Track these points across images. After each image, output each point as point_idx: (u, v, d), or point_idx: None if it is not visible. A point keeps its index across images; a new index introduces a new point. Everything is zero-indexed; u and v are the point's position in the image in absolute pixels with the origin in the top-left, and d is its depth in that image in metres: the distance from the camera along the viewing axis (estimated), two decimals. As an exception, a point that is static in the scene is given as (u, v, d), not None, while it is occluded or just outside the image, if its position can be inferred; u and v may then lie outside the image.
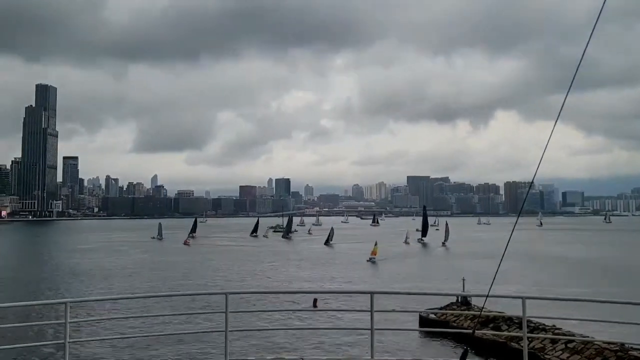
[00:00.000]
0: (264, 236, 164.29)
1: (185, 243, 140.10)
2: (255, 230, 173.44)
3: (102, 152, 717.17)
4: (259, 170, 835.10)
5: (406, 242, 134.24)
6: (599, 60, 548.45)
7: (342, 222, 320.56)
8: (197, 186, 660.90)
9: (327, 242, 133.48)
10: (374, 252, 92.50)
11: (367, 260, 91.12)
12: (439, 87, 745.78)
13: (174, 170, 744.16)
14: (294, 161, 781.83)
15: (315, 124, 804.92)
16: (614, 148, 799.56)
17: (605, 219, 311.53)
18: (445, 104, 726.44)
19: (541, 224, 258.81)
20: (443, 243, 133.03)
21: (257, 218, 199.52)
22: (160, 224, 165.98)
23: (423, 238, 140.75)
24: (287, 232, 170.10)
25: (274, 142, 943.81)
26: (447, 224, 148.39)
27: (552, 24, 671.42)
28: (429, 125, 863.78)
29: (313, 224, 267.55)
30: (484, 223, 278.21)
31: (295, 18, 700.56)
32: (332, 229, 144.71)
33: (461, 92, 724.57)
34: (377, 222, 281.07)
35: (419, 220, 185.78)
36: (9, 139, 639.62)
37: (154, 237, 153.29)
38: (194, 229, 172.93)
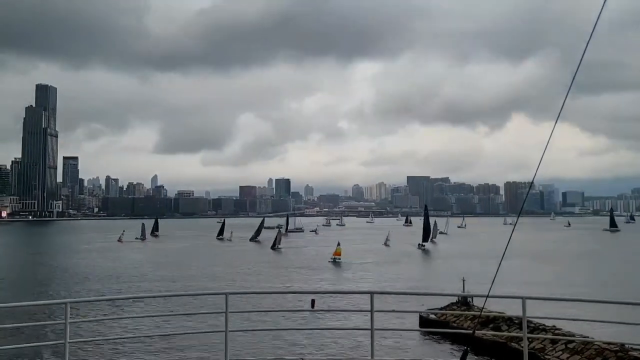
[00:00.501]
0: (227, 239, 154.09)
1: (119, 241, 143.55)
2: (221, 232, 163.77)
3: (126, 152, 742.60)
4: (273, 171, 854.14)
5: (386, 244, 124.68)
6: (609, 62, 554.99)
7: (367, 222, 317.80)
8: (198, 187, 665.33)
9: (273, 247, 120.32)
10: (336, 253, 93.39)
11: (329, 261, 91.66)
12: (453, 91, 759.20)
13: (190, 171, 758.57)
14: (307, 161, 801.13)
15: (330, 126, 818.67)
16: (618, 149, 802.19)
17: (629, 218, 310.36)
18: (460, 107, 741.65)
19: (569, 224, 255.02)
20: (431, 239, 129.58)
21: (222, 219, 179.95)
22: (143, 224, 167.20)
23: (424, 243, 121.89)
24: (255, 235, 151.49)
25: (290, 143, 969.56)
26: (435, 222, 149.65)
27: (570, 30, 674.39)
28: (442, 127, 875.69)
29: (337, 224, 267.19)
30: (510, 223, 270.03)
31: (320, 25, 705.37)
32: (279, 232, 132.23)
33: (476, 96, 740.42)
34: (410, 223, 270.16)
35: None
36: (9, 139, 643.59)
37: (137, 238, 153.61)
38: (156, 227, 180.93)
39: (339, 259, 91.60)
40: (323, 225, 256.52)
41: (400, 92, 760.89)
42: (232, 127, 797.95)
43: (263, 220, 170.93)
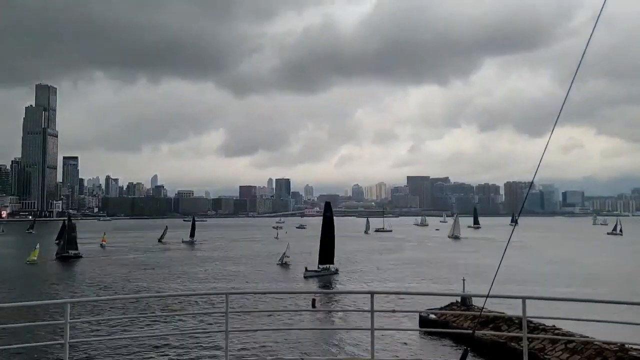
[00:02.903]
0: None
1: None
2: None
3: (195, 155, 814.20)
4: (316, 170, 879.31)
5: (283, 263, 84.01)
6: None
7: (440, 222, 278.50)
8: (198, 187, 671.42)
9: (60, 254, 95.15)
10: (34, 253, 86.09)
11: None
12: (496, 100, 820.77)
13: (245, 172, 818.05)
14: (355, 162, 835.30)
15: (382, 133, 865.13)
16: (627, 149, 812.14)
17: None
18: (501, 114, 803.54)
19: None
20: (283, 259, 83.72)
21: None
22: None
23: (328, 266, 74.27)
24: (62, 249, 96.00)
25: (344, 146, 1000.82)
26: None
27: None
28: (479, 132, 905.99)
29: (440, 221, 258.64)
30: (601, 223, 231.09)
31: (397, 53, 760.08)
32: (63, 225, 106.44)
33: (522, 104, 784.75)
34: (516, 222, 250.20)
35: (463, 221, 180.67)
36: (9, 139, 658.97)
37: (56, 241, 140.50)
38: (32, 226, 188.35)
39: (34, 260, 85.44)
40: (416, 224, 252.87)
41: (452, 102, 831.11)
42: (292, 134, 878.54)
43: (67, 220, 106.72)
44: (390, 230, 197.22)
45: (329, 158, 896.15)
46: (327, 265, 74.30)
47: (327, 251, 75.42)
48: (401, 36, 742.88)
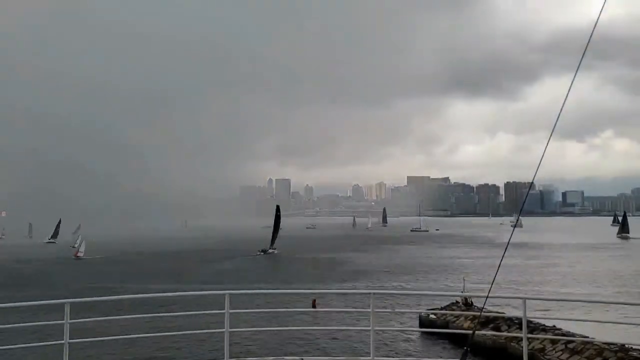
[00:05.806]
0: None
1: None
2: None
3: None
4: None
5: None
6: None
7: (500, 224, 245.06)
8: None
9: None
10: None
11: None
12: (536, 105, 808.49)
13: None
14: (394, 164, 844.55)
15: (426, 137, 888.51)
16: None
17: None
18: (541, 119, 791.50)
19: None
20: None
21: None
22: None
23: (270, 249, 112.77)
24: None
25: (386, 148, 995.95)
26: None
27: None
28: (518, 136, 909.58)
29: (502, 223, 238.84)
30: None
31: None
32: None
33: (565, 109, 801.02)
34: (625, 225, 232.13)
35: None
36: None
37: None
38: None
39: None
40: (501, 224, 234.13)
41: (496, 111, 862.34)
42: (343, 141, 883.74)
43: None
44: (427, 230, 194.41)
45: (355, 160, 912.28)
46: (273, 248, 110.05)
47: (274, 238, 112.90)
48: (459, 56, 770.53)
